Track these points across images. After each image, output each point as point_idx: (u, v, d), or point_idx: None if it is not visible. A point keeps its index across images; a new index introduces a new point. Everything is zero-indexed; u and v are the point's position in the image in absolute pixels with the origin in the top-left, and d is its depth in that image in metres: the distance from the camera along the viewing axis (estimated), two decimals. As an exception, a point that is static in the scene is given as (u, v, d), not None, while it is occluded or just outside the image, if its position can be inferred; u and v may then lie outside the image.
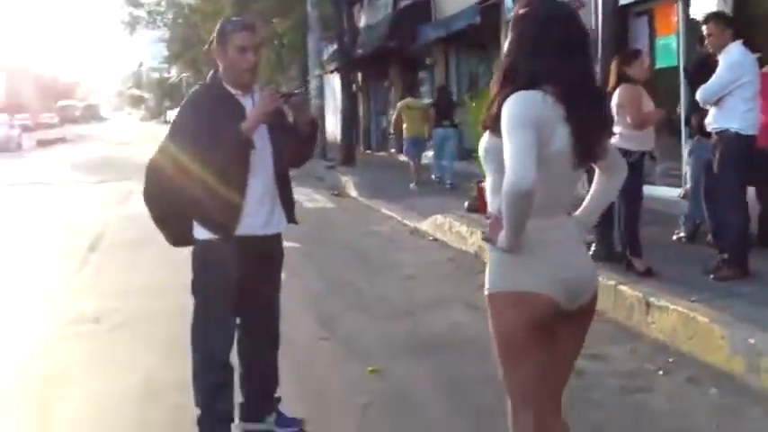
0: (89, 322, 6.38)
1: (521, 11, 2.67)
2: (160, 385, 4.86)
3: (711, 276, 6.25)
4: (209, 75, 3.97)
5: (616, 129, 6.54)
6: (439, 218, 10.21)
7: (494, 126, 2.56)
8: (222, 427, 3.93)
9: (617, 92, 6.58)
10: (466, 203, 10.51)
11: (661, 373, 4.95)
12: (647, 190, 10.41)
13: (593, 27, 11.14)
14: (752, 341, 4.71)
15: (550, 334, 2.63)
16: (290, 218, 4.05)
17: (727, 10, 8.02)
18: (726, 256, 6.36)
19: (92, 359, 5.55)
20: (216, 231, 3.82)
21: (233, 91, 3.84)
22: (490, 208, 2.66)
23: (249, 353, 4.11)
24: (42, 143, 39.75)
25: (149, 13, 45.35)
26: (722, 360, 4.90)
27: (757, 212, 7.34)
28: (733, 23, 6.50)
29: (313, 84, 22.47)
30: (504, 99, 2.54)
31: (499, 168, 2.52)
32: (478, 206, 9.96)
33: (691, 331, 5.25)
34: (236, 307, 3.93)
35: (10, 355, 5.73)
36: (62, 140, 43.28)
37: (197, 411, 3.96)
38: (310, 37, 22.20)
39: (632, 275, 6.44)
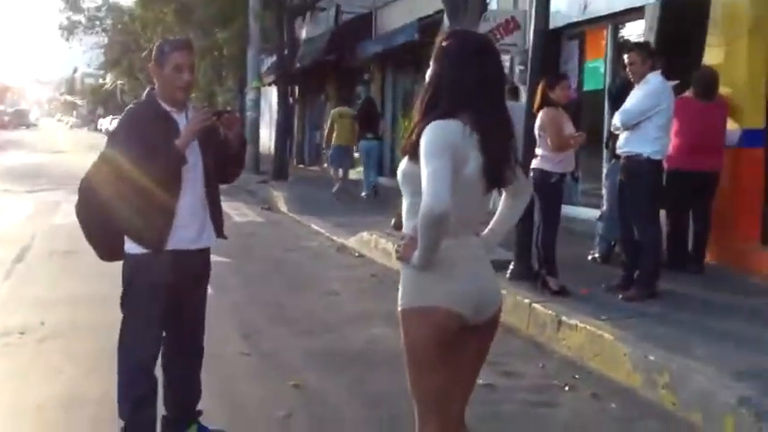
0: (13, 335, 6.41)
1: (443, 43, 2.88)
2: (83, 398, 4.94)
3: (620, 296, 6.57)
4: (146, 91, 4.12)
5: (538, 151, 6.88)
6: (365, 235, 10.41)
7: (412, 152, 2.77)
8: (144, 438, 4.05)
9: (539, 115, 6.88)
10: (393, 221, 10.72)
11: (567, 388, 5.20)
12: (570, 210, 10.83)
13: (526, 48, 11.54)
14: (651, 358, 5.01)
15: (457, 347, 2.84)
16: (219, 232, 4.20)
17: (651, 39, 8.43)
18: (635, 274, 6.70)
19: (16, 372, 5.59)
20: (147, 245, 3.94)
21: (168, 108, 3.99)
22: (405, 229, 2.87)
23: (173, 365, 4.22)
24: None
25: (89, 18, 44.94)
26: (624, 376, 5.20)
27: (666, 234, 7.72)
28: (653, 54, 6.84)
29: (250, 96, 22.54)
30: (423, 127, 2.75)
31: (415, 192, 2.75)
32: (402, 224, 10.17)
33: (597, 348, 5.53)
34: (163, 320, 4.07)
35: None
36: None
37: (120, 423, 4.08)
38: (250, 49, 22.25)
39: (547, 294, 6.72)
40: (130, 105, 4.13)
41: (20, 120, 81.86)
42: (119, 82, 57.68)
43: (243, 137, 4.26)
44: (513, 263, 7.41)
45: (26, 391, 5.18)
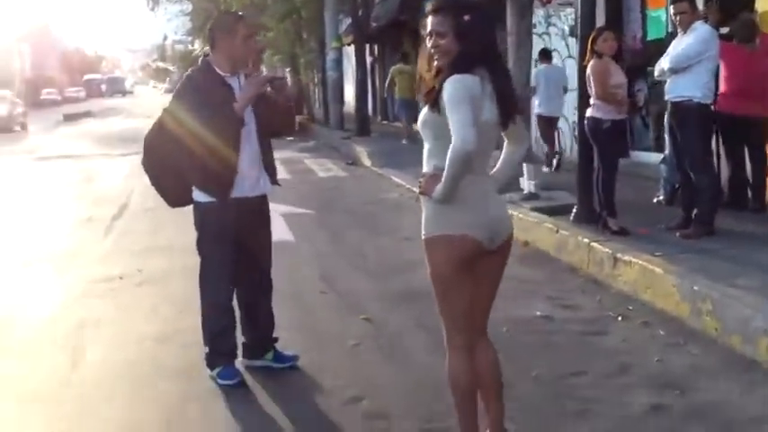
0: (114, 280, 7.10)
1: (465, 18, 3.27)
2: (176, 332, 5.54)
3: (678, 235, 6.84)
4: (201, 60, 4.63)
5: (591, 100, 7.16)
6: (441, 185, 10.79)
7: (433, 103, 3.19)
8: (227, 362, 4.61)
9: (588, 66, 7.16)
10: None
11: (620, 318, 5.56)
12: (641, 156, 11.03)
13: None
14: (696, 288, 5.31)
15: (475, 270, 3.27)
16: (273, 180, 4.73)
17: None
18: (692, 214, 6.94)
19: (116, 311, 6.25)
20: (214, 195, 4.48)
21: (222, 73, 4.49)
22: (425, 169, 3.29)
23: (248, 298, 4.77)
24: (69, 117, 40.50)
25: (172, -14, 45.86)
26: (672, 306, 5.52)
27: (728, 175, 7.92)
28: (695, 6, 7.06)
29: (330, 56, 22.99)
30: (443, 81, 3.16)
31: (436, 136, 3.19)
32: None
33: (649, 281, 5.85)
34: (234, 260, 4.60)
35: (45, 306, 6.44)
36: (88, 114, 44.07)
37: (205, 349, 4.67)
38: (326, 10, 22.67)
39: (607, 234, 7.03)
40: (188, 72, 4.64)
41: (115, 87, 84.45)
42: (206, 48, 58.83)
43: (290, 99, 4.81)
44: (576, 206, 7.72)
45: (126, 327, 5.82)
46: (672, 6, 7.13)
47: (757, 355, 4.61)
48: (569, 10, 12.51)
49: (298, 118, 26.06)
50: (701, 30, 6.82)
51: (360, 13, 20.79)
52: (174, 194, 4.71)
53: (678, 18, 6.98)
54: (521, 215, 8.22)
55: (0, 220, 10.98)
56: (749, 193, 7.90)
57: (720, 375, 4.50)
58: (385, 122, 25.58)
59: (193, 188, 4.55)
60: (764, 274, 5.57)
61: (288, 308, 5.84)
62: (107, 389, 4.69)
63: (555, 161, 11.70)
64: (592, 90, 7.16)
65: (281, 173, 14.29)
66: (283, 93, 4.73)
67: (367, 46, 24.53)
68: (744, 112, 7.56)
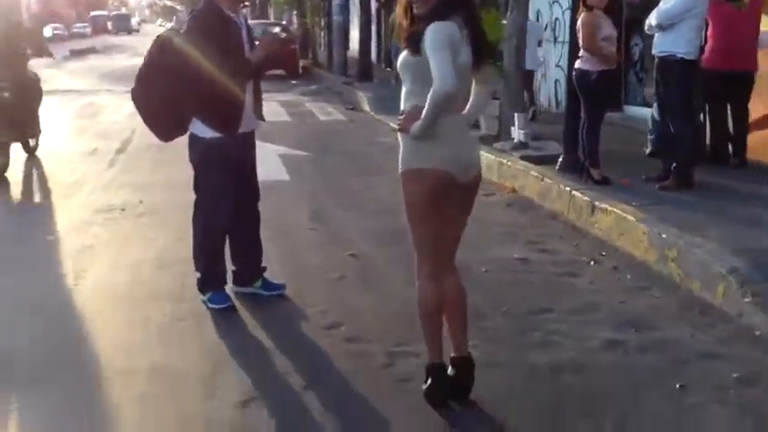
0: (116, 210, 7.42)
1: None
2: (172, 259, 5.86)
3: (656, 186, 7.12)
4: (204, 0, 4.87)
5: (580, 53, 7.39)
6: (437, 131, 11.04)
7: (414, 47, 3.45)
8: (217, 287, 4.93)
9: (579, 18, 7.37)
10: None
11: (592, 263, 5.86)
12: (635, 110, 11.24)
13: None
14: (664, 236, 5.61)
15: (445, 201, 3.55)
16: (260, 116, 5.07)
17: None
18: (671, 166, 7.21)
19: (116, 239, 6.58)
20: (222, 130, 4.76)
21: (228, 12, 4.75)
22: (402, 106, 3.56)
23: (237, 229, 5.06)
24: (75, 53, 40.50)
25: None
26: (641, 252, 5.82)
27: (710, 131, 8.17)
28: None
29: (336, 0, 23.05)
30: (425, 27, 3.41)
31: (414, 79, 3.48)
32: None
33: (623, 229, 6.15)
34: (231, 190, 4.90)
35: (49, 233, 6.76)
36: (93, 50, 44.06)
37: (197, 275, 4.98)
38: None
39: (590, 183, 7.31)
40: (195, 12, 4.90)
41: (122, 25, 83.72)
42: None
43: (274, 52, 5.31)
44: (561, 156, 7.99)
45: (124, 253, 6.15)
46: None
47: (714, 299, 4.92)
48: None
49: (302, 62, 26.21)
50: None
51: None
52: (165, 127, 4.91)
53: None
54: (509, 163, 8.50)
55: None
56: (730, 149, 8.15)
57: (677, 317, 4.81)
58: (389, 69, 25.65)
59: (193, 123, 4.79)
60: (733, 225, 5.88)
61: (278, 242, 6.16)
62: (105, 305, 5.05)
63: (530, 113, 11.91)
64: (581, 42, 7.37)
65: (282, 115, 14.79)
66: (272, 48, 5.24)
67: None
68: (729, 67, 7.79)
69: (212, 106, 4.71)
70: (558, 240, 6.48)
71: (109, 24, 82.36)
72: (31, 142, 10.32)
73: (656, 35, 7.19)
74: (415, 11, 3.52)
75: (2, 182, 8.99)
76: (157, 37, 4.89)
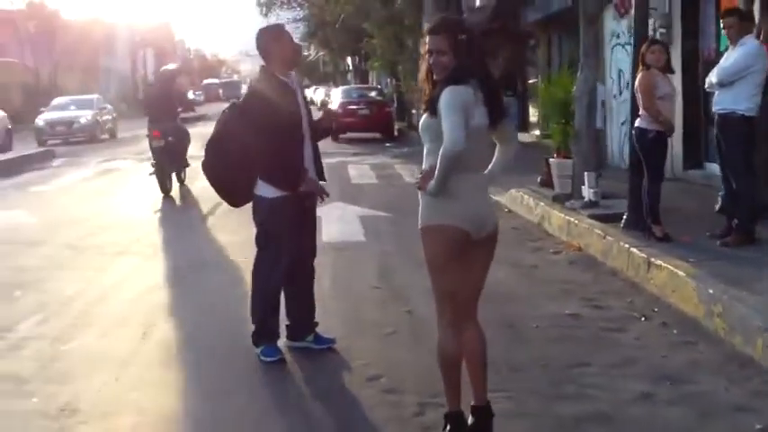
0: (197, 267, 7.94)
1: (460, 37, 3.81)
2: (230, 315, 6.21)
3: (718, 242, 7.14)
4: (260, 69, 5.32)
5: (639, 111, 7.56)
6: (513, 191, 11.25)
7: (432, 109, 3.73)
8: (270, 341, 5.25)
9: (637, 77, 7.54)
10: (539, 178, 11.48)
11: (642, 319, 5.94)
12: (717, 168, 11.14)
13: (666, 12, 11.91)
14: (711, 291, 5.66)
15: (464, 256, 3.78)
16: (321, 176, 5.40)
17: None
18: (733, 223, 7.24)
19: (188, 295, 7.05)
20: (285, 188, 5.12)
21: (281, 77, 5.19)
22: (423, 166, 3.83)
23: (294, 285, 5.38)
24: (184, 120, 41.96)
25: (285, -6, 47.50)
26: (691, 308, 5.88)
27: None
28: (748, 18, 7.33)
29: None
30: (441, 90, 3.70)
31: (432, 139, 3.74)
32: (547, 180, 10.96)
33: (675, 285, 6.21)
34: (291, 251, 5.25)
35: (134, 287, 7.26)
36: (203, 118, 45.71)
37: (252, 329, 5.32)
38: (425, 17, 23.27)
39: (652, 240, 7.38)
40: (253, 80, 5.38)
41: (231, 92, 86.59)
42: (320, 53, 60.42)
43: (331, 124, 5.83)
44: (626, 213, 8.08)
45: (193, 310, 6.56)
46: (721, 20, 7.44)
47: (754, 353, 4.96)
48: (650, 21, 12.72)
49: (397, 125, 26.74)
50: (748, 45, 7.12)
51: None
52: (233, 193, 5.35)
53: (727, 32, 7.30)
54: (576, 221, 8.62)
55: (108, 211, 12.00)
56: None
57: (715, 371, 4.87)
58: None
59: (258, 185, 5.16)
60: (783, 280, 5.88)
61: (340, 299, 6.51)
62: (167, 357, 5.44)
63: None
64: (640, 101, 7.53)
65: (371, 178, 15.21)
66: (331, 119, 5.75)
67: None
68: None
69: (273, 167, 5.09)
70: (613, 297, 6.57)
71: (220, 92, 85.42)
72: (182, 175, 13.82)
73: (716, 93, 7.29)
74: (435, 77, 3.81)
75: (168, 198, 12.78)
76: (223, 111, 5.33)
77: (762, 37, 7.70)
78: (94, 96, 31.26)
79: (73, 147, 25.28)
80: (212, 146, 5.29)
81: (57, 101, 30.00)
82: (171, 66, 19.48)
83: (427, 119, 3.79)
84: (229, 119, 5.27)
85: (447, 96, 3.65)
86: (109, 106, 31.52)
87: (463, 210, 3.73)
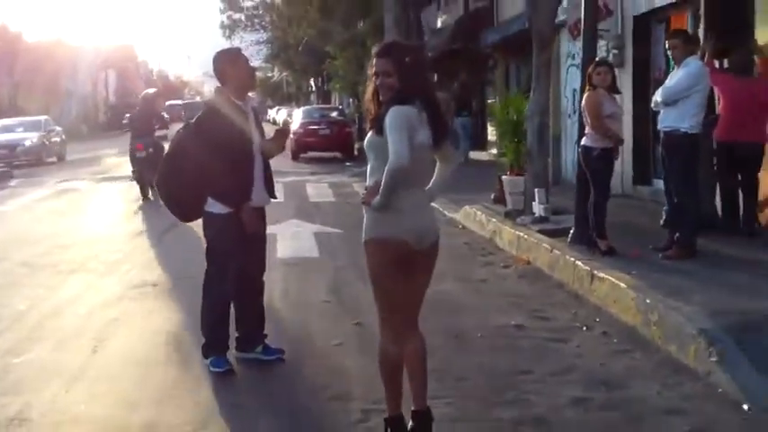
0: (148, 286, 7.98)
1: (407, 60, 3.97)
2: (185, 329, 6.32)
3: (660, 255, 7.37)
4: (215, 90, 5.45)
5: (585, 129, 7.78)
6: (467, 208, 11.45)
7: (377, 128, 3.88)
8: (219, 353, 5.35)
9: (584, 97, 7.78)
10: (492, 195, 11.69)
11: (584, 329, 6.13)
12: (660, 183, 11.43)
13: (618, 34, 12.22)
14: (648, 301, 5.87)
15: (405, 267, 3.93)
16: (271, 194, 5.51)
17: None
18: (675, 237, 7.47)
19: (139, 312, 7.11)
20: (232, 204, 5.25)
21: (237, 101, 5.32)
22: (367, 183, 3.98)
23: (243, 299, 5.50)
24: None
25: (248, 17, 47.77)
26: (630, 317, 6.08)
27: (721, 201, 8.40)
28: (692, 40, 7.63)
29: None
30: (387, 110, 3.86)
31: (377, 157, 3.90)
32: (500, 197, 11.18)
33: (616, 296, 6.42)
34: (239, 265, 5.37)
35: (86, 304, 7.30)
36: (165, 139, 45.67)
37: (202, 341, 5.42)
38: (386, 38, 23.55)
39: (597, 254, 7.59)
40: (209, 101, 5.50)
41: (193, 113, 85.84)
42: (284, 74, 60.69)
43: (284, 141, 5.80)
44: (572, 228, 8.30)
45: (143, 325, 6.64)
46: (666, 41, 7.71)
47: (687, 360, 5.15)
48: (601, 42, 13.03)
49: (357, 144, 26.99)
50: (691, 65, 7.38)
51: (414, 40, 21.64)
52: (185, 209, 5.47)
53: (672, 52, 7.58)
54: (525, 236, 8.82)
55: (65, 230, 11.98)
56: (740, 219, 8.35)
57: (649, 376, 5.05)
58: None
59: (208, 201, 5.29)
60: (718, 290, 6.11)
61: (291, 313, 6.63)
62: (118, 369, 5.52)
63: None
64: (587, 120, 7.75)
65: (328, 196, 15.32)
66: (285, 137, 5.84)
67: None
68: (741, 138, 8.03)
69: (221, 184, 5.21)
70: (558, 308, 6.76)
71: (182, 113, 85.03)
72: None
73: (661, 111, 7.54)
74: (381, 97, 3.97)
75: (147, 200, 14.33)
76: (178, 131, 5.46)
77: (705, 58, 8.01)
78: (42, 118, 29.77)
79: (35, 167, 24.98)
80: (167, 163, 5.43)
81: (2, 122, 28.51)
82: (151, 90, 21.42)
83: (373, 137, 3.94)
84: (183, 137, 5.41)
85: (392, 115, 3.80)
86: (58, 128, 29.94)
87: (405, 222, 3.88)
